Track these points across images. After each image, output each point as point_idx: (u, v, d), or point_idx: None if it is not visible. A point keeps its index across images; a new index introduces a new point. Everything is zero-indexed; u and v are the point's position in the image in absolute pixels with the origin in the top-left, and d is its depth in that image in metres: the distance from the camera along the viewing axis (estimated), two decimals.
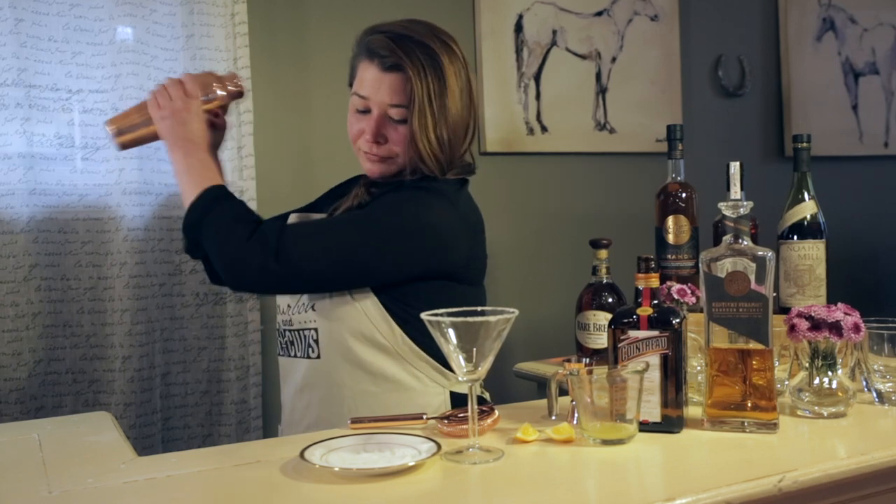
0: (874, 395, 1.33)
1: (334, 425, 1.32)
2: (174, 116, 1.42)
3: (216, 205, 1.37)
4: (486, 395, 1.48)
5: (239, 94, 1.51)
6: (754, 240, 1.42)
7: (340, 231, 1.36)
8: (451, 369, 1.38)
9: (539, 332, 2.51)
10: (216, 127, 1.50)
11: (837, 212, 2.21)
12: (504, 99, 2.59)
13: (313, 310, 1.39)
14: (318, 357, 1.40)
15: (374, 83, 1.39)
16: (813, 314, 1.25)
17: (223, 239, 1.34)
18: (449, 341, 1.08)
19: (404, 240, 1.34)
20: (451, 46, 1.41)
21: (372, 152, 1.42)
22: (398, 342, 1.37)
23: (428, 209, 1.37)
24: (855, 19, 3.29)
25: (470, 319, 1.07)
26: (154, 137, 1.48)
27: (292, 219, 1.48)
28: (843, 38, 3.26)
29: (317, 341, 1.39)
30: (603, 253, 1.49)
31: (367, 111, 1.41)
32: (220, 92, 1.48)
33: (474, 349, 1.07)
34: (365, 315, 1.36)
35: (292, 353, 1.45)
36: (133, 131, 1.48)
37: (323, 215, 1.47)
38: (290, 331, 1.45)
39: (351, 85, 1.48)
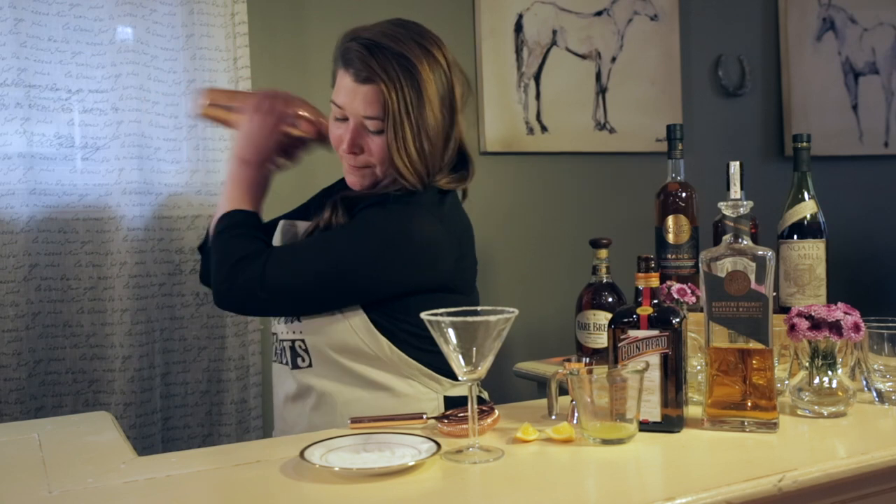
0: (874, 394, 1.33)
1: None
2: (260, 123, 1.43)
3: (235, 230, 1.39)
4: (485, 395, 1.47)
5: (324, 141, 1.49)
6: (754, 239, 1.42)
7: (325, 252, 1.35)
8: (444, 375, 1.38)
9: (539, 331, 2.51)
10: (288, 154, 1.51)
11: (837, 212, 2.21)
12: (504, 99, 2.58)
13: (299, 321, 1.39)
14: (310, 366, 1.39)
15: (349, 94, 1.36)
16: (813, 314, 1.25)
17: (220, 264, 1.36)
18: (448, 341, 1.08)
19: (390, 257, 1.32)
20: (432, 53, 1.36)
21: (349, 162, 1.41)
22: (387, 353, 1.35)
23: (412, 224, 1.34)
24: (855, 19, 3.29)
25: (469, 319, 1.07)
26: (229, 125, 1.50)
27: (281, 226, 1.47)
28: (843, 37, 3.26)
29: (306, 350, 1.39)
30: (603, 252, 1.49)
31: (344, 119, 1.39)
32: (307, 125, 1.48)
33: (474, 349, 1.07)
34: (352, 329, 1.35)
35: (283, 361, 1.45)
36: (222, 109, 1.51)
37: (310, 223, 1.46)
38: (280, 340, 1.45)
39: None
